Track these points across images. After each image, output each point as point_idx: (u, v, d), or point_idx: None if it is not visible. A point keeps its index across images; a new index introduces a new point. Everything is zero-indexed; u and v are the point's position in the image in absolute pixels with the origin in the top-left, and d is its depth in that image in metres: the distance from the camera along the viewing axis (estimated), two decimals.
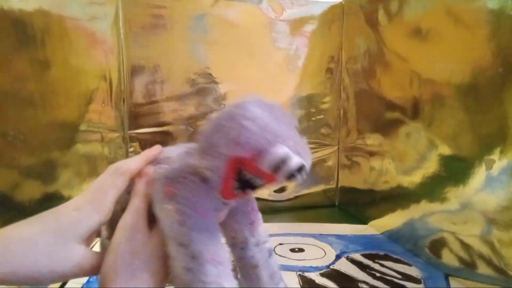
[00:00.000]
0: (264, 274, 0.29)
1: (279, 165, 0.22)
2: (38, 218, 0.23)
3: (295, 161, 0.22)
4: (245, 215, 0.29)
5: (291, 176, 0.22)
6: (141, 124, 0.70)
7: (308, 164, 0.23)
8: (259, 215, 0.30)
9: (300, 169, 0.22)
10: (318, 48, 0.76)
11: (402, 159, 0.58)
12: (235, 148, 0.22)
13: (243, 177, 0.24)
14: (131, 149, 0.70)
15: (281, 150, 0.22)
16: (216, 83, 0.72)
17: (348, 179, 0.78)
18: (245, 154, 0.23)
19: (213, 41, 0.71)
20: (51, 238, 0.22)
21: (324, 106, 0.78)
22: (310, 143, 0.77)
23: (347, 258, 0.54)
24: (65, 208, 0.23)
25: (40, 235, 0.22)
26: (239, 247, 0.29)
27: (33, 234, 0.22)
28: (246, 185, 0.24)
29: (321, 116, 0.79)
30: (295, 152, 0.23)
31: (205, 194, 0.24)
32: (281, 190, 0.79)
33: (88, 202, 0.24)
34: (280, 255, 0.55)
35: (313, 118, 0.78)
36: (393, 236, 0.61)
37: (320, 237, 0.63)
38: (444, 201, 0.49)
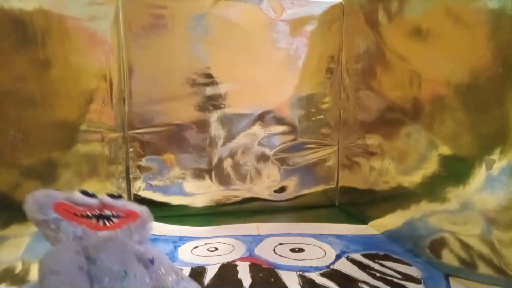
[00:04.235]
0: None
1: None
2: None
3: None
4: None
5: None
6: (141, 124, 0.70)
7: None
8: None
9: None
10: (318, 48, 0.76)
11: (402, 159, 0.58)
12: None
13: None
14: (131, 149, 0.70)
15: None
16: (216, 83, 0.72)
17: (348, 179, 0.78)
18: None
19: (214, 41, 0.71)
20: None
21: (324, 106, 0.78)
22: (310, 143, 0.79)
23: (347, 258, 0.54)
24: None
25: None
26: None
27: None
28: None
29: (321, 116, 0.79)
30: None
31: None
32: (281, 190, 0.79)
33: None
34: (280, 255, 0.55)
35: (313, 118, 0.78)
36: (393, 236, 0.61)
37: (320, 237, 0.63)
38: (444, 201, 0.48)
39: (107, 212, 0.38)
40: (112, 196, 0.40)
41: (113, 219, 0.38)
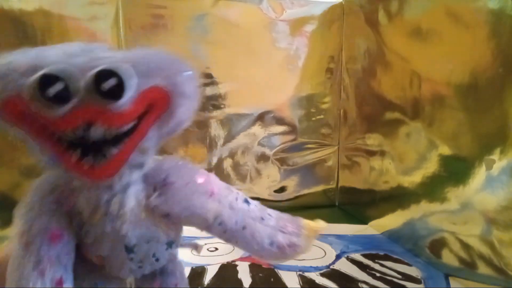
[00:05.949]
0: None
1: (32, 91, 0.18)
2: None
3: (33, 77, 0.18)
4: None
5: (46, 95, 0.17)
6: None
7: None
8: None
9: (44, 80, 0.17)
10: (318, 48, 0.76)
11: (402, 159, 0.58)
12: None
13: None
14: None
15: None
16: (216, 83, 0.72)
17: (348, 179, 0.78)
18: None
19: (213, 41, 0.71)
20: None
21: (324, 106, 0.78)
22: (310, 143, 0.79)
23: (347, 258, 0.54)
24: None
25: None
26: None
27: None
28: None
29: (321, 116, 0.79)
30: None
31: None
32: (281, 190, 0.79)
33: None
34: None
35: (313, 118, 0.78)
36: (393, 236, 0.61)
37: (320, 237, 0.62)
38: (444, 201, 0.49)
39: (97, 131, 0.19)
40: (103, 77, 0.18)
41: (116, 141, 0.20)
